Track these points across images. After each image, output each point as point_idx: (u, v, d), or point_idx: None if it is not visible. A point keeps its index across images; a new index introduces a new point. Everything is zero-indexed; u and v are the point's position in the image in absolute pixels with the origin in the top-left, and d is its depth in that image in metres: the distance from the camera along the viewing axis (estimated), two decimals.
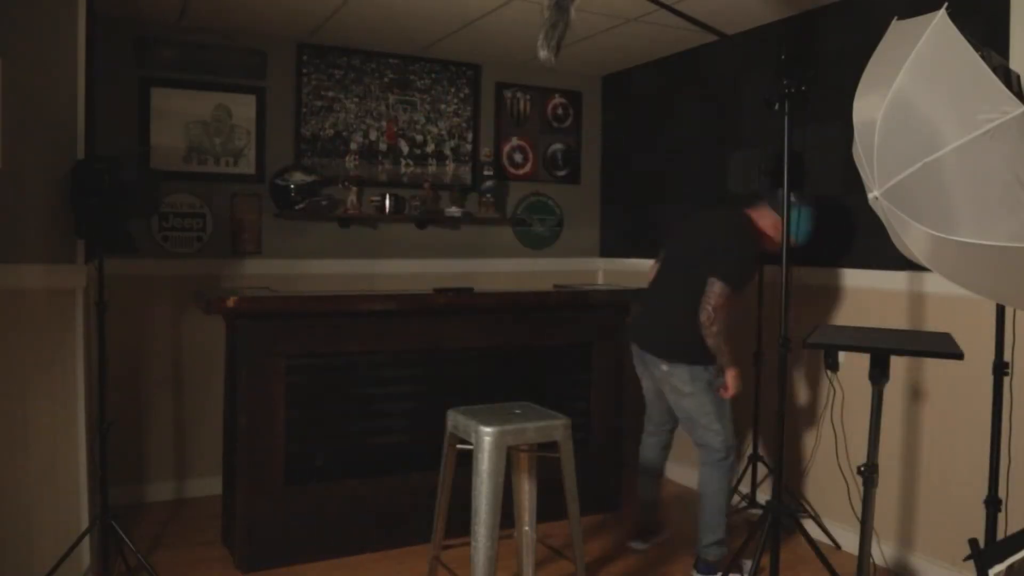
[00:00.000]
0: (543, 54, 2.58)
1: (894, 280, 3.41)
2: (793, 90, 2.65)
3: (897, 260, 3.06)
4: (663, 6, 2.75)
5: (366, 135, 4.69)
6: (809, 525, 3.59)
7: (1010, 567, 1.80)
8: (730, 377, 3.21)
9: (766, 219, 3.28)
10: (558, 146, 5.30)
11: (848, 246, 3.64)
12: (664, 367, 3.25)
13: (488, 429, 2.68)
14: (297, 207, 4.35)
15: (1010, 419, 2.86)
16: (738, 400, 3.33)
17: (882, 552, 3.43)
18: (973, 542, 1.91)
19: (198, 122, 4.28)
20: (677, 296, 3.25)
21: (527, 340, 3.90)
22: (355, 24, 4.19)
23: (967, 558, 1.92)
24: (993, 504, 2.66)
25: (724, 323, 3.11)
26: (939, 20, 1.88)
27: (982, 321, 2.90)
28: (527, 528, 3.05)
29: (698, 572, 3.27)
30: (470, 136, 4.98)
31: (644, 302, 3.53)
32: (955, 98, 1.87)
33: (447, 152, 4.91)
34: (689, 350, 3.18)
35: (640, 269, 5.01)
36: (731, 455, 3.27)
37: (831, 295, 3.72)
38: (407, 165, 4.80)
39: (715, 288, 3.09)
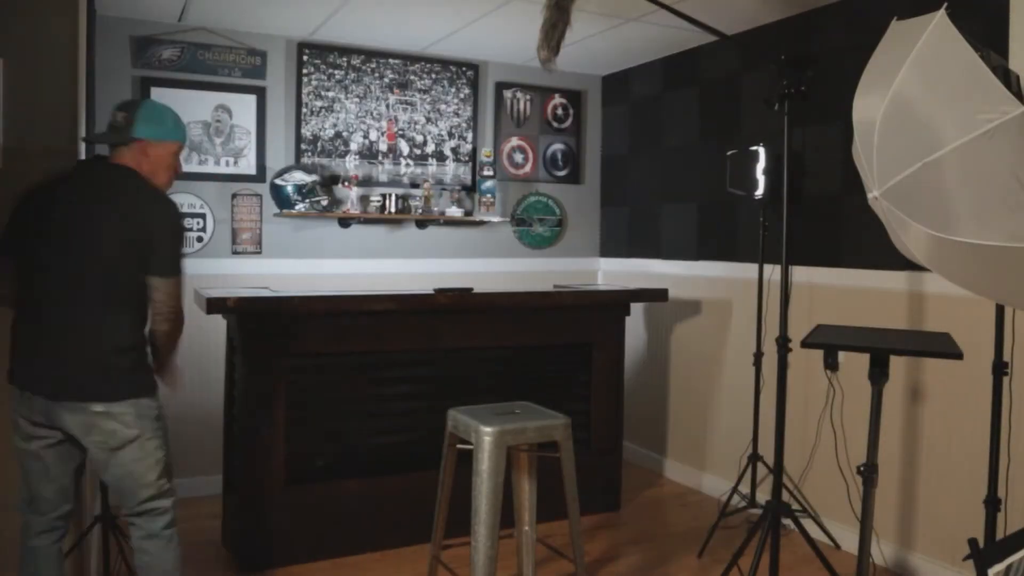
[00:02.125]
0: (543, 54, 2.58)
1: (894, 280, 3.41)
2: (793, 90, 2.65)
3: (897, 260, 3.06)
4: (663, 6, 2.74)
5: (366, 135, 4.69)
6: (809, 525, 3.59)
7: (1009, 567, 1.80)
8: None
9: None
10: (558, 146, 5.30)
11: (848, 246, 3.64)
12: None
13: (488, 429, 2.69)
14: (297, 207, 4.36)
15: (1010, 419, 2.86)
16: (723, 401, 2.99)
17: (882, 552, 3.43)
18: (972, 542, 1.91)
19: (198, 122, 4.28)
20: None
21: (527, 340, 3.90)
22: (355, 24, 4.19)
23: (966, 557, 1.92)
24: (993, 504, 2.67)
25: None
26: (939, 20, 1.88)
27: (982, 321, 2.90)
28: (527, 528, 3.05)
29: None
30: (470, 136, 4.98)
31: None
32: (955, 98, 1.87)
33: (447, 152, 4.91)
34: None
35: (640, 269, 5.02)
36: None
37: (831, 295, 3.72)
38: (407, 165, 4.80)
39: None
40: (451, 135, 4.92)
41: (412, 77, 4.79)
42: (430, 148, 4.87)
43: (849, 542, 3.58)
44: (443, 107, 4.88)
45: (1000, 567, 1.80)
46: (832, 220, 3.70)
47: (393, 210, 4.60)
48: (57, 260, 2.24)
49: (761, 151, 3.65)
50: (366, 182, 4.66)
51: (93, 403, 2.21)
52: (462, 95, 4.94)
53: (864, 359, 2.35)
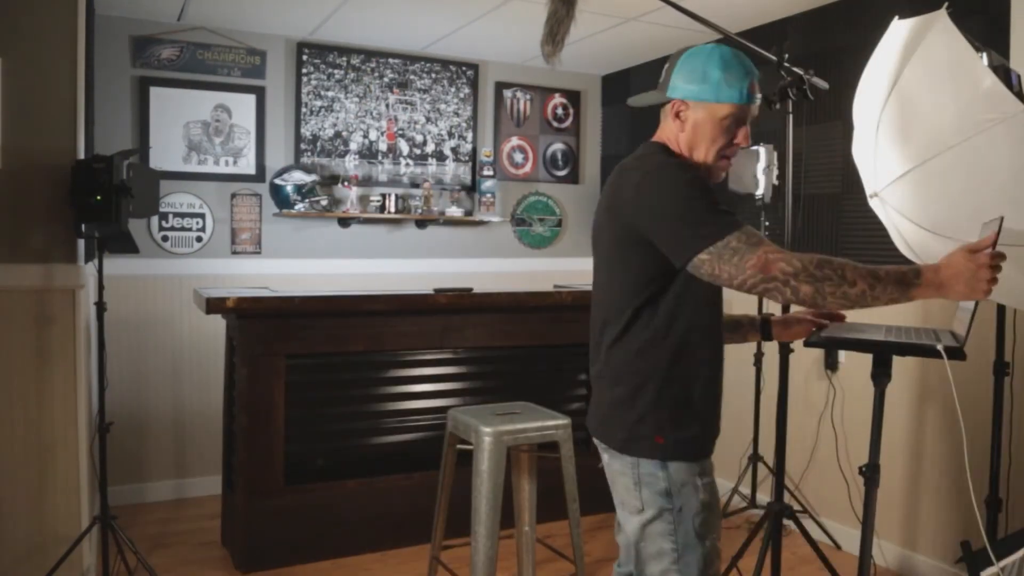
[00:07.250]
0: (547, 48, 2.58)
1: None
2: (793, 90, 2.64)
3: (897, 260, 3.06)
4: (667, 2, 2.73)
5: (366, 135, 4.68)
6: (810, 525, 3.59)
7: (1001, 570, 1.80)
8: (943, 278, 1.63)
9: (670, 129, 1.83)
10: (558, 146, 5.29)
11: (848, 246, 3.64)
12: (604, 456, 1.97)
13: (488, 429, 2.68)
14: (297, 207, 4.36)
15: (1010, 419, 2.86)
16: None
17: (882, 552, 3.42)
18: (965, 544, 1.91)
19: (198, 122, 4.28)
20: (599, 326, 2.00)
21: (527, 340, 3.90)
22: (355, 23, 4.19)
23: (958, 560, 1.92)
24: (993, 504, 2.67)
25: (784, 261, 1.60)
26: (940, 20, 1.88)
27: (983, 321, 2.89)
28: (527, 528, 3.05)
29: None
30: (470, 136, 4.97)
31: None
32: (955, 98, 1.87)
33: (447, 152, 4.91)
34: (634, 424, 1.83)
35: None
36: None
37: None
38: (407, 165, 4.80)
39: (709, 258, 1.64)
40: (451, 135, 4.92)
41: (412, 77, 4.78)
42: (430, 148, 4.86)
43: (850, 543, 3.58)
44: (443, 107, 4.88)
45: (993, 570, 1.80)
46: (832, 220, 3.70)
47: (393, 210, 4.60)
48: None
49: (761, 151, 3.64)
50: (366, 182, 4.66)
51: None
52: (462, 95, 4.93)
53: (862, 359, 2.35)
